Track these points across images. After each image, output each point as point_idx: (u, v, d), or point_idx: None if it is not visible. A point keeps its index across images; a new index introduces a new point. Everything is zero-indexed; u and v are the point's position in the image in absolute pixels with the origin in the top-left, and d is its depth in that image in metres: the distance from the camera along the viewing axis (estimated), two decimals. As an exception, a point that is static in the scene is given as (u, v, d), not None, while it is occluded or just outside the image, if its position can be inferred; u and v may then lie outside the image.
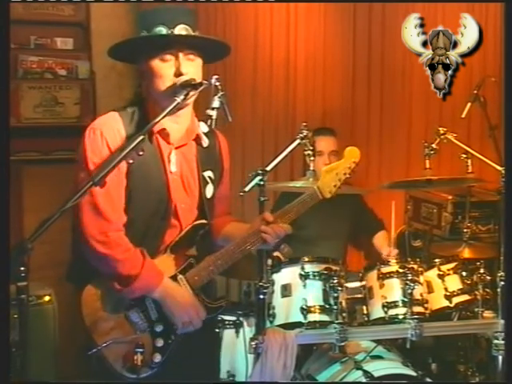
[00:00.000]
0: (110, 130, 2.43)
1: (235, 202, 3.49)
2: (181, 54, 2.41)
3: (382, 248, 4.16)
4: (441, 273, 3.51)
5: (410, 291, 3.33)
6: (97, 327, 2.42)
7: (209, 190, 2.56)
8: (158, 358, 2.44)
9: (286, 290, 3.38)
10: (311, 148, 3.39)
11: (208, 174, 2.57)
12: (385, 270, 3.43)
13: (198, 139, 2.55)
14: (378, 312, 3.38)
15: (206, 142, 2.58)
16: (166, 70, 2.41)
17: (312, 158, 3.38)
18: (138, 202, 2.43)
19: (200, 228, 2.52)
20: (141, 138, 2.23)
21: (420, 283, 3.40)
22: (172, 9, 2.50)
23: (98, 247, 2.37)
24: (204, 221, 2.52)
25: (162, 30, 2.40)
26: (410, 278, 3.35)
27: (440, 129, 3.81)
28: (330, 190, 2.65)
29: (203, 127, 2.58)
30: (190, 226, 2.50)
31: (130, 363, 2.39)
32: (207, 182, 2.56)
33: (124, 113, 2.49)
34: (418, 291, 3.38)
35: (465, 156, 3.74)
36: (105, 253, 2.37)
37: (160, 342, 2.45)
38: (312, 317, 3.31)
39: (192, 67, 2.43)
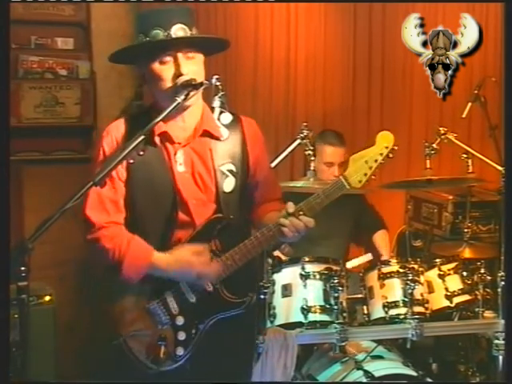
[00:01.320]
0: (108, 137, 2.49)
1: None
2: (179, 55, 2.40)
3: (381, 248, 4.16)
4: (441, 273, 3.52)
5: (410, 291, 3.33)
6: (122, 317, 2.45)
7: (228, 184, 2.51)
8: (180, 351, 2.45)
9: (287, 290, 3.39)
10: (312, 148, 3.40)
11: (227, 167, 2.51)
12: (385, 270, 3.44)
13: (210, 134, 2.52)
14: (378, 312, 3.39)
15: (224, 134, 2.53)
16: (166, 71, 2.41)
17: (312, 158, 3.39)
18: (144, 205, 2.45)
19: (217, 222, 2.49)
20: (141, 137, 2.24)
21: (420, 283, 3.41)
22: (167, 10, 2.48)
23: (92, 246, 2.44)
24: (220, 215, 2.50)
25: (159, 33, 2.39)
26: (410, 277, 3.35)
27: (440, 129, 3.82)
28: (360, 179, 2.47)
29: (225, 118, 2.55)
30: (206, 220, 2.49)
31: (153, 355, 2.42)
32: (226, 176, 2.51)
33: (129, 120, 2.52)
34: (419, 291, 3.38)
35: (465, 156, 3.75)
36: (97, 247, 2.43)
37: (182, 336, 2.46)
38: (312, 317, 3.32)
39: (192, 65, 2.42)
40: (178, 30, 2.40)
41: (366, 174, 2.47)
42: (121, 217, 2.47)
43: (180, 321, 2.47)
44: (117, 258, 2.40)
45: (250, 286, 2.64)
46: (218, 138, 2.52)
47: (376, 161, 2.47)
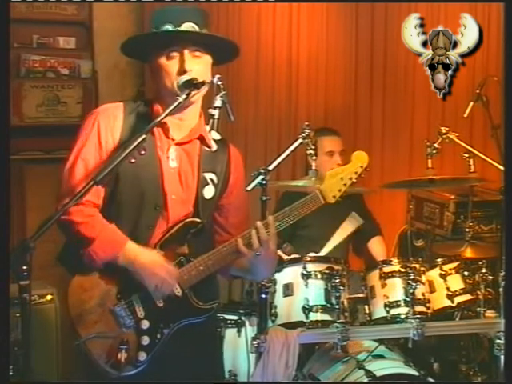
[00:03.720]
0: (106, 113, 2.47)
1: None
2: (186, 51, 2.41)
3: (378, 254, 4.15)
4: (443, 272, 3.52)
5: (412, 291, 3.34)
6: (81, 319, 2.40)
7: (208, 191, 2.52)
8: (142, 356, 2.40)
9: (288, 290, 3.39)
10: (313, 147, 3.39)
11: (210, 175, 2.53)
12: (387, 269, 3.44)
13: (203, 140, 2.53)
14: (379, 311, 3.39)
15: (214, 146, 2.55)
16: (171, 67, 2.42)
17: (314, 158, 3.38)
18: (129, 190, 2.42)
19: (191, 226, 2.49)
20: (143, 137, 2.24)
21: (422, 283, 3.41)
22: (180, 8, 2.52)
23: (61, 217, 2.33)
24: (196, 219, 2.50)
25: (169, 28, 2.41)
26: (412, 277, 3.35)
27: (442, 128, 3.82)
28: (334, 194, 2.53)
29: (215, 135, 2.56)
30: (182, 223, 2.48)
31: (113, 359, 2.37)
32: (207, 183, 2.52)
33: (129, 104, 2.52)
34: (420, 291, 3.39)
35: (467, 155, 3.74)
36: (65, 219, 2.34)
37: (146, 340, 2.41)
38: (314, 316, 3.32)
39: (198, 64, 2.42)
40: (188, 28, 2.41)
41: (340, 190, 2.55)
42: (100, 196, 2.43)
43: (145, 325, 2.42)
44: (87, 234, 2.36)
45: (218, 292, 2.64)
46: (208, 147, 2.54)
47: (350, 178, 2.56)
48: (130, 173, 2.42)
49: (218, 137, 2.57)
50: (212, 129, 2.47)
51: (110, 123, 2.43)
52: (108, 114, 2.46)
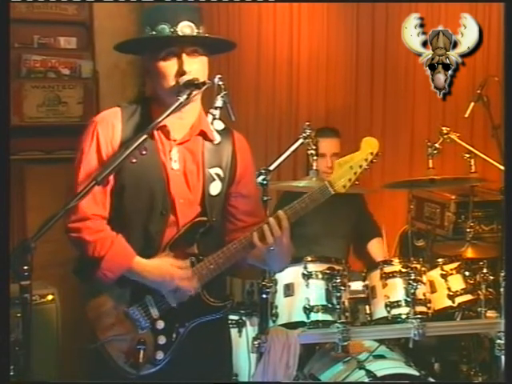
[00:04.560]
0: (104, 123, 2.43)
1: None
2: (184, 54, 2.40)
3: (377, 256, 4.15)
4: (444, 272, 3.52)
5: (412, 291, 3.34)
6: (99, 322, 2.42)
7: (214, 187, 2.50)
8: (160, 355, 2.42)
9: (289, 290, 3.39)
10: (314, 148, 3.39)
11: (215, 170, 2.50)
12: (388, 269, 3.44)
13: (205, 135, 2.51)
14: (380, 311, 3.39)
15: (217, 138, 2.52)
16: (169, 68, 2.40)
17: (315, 158, 3.39)
18: (133, 199, 2.42)
19: (200, 226, 2.48)
20: (144, 137, 2.23)
21: (423, 283, 3.41)
22: (175, 5, 2.47)
23: (70, 234, 2.39)
24: (204, 218, 2.49)
25: (165, 28, 2.38)
26: (412, 277, 3.36)
27: (443, 128, 3.82)
28: (344, 184, 2.45)
29: (218, 125, 2.55)
30: (190, 223, 2.46)
31: (132, 359, 2.39)
32: (213, 179, 2.50)
33: (126, 109, 2.48)
34: (421, 291, 3.39)
35: (468, 155, 3.75)
36: (75, 236, 2.38)
37: (162, 340, 2.43)
38: (315, 316, 3.32)
39: (196, 64, 2.40)
40: (185, 28, 2.38)
41: (350, 180, 2.47)
42: (107, 208, 2.43)
43: (160, 325, 2.43)
44: (96, 254, 2.36)
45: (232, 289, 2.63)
46: (211, 141, 2.51)
47: (361, 166, 2.47)
48: (135, 180, 2.41)
49: (221, 126, 2.56)
50: (215, 118, 2.45)
51: (109, 135, 2.41)
52: (106, 124, 2.43)
